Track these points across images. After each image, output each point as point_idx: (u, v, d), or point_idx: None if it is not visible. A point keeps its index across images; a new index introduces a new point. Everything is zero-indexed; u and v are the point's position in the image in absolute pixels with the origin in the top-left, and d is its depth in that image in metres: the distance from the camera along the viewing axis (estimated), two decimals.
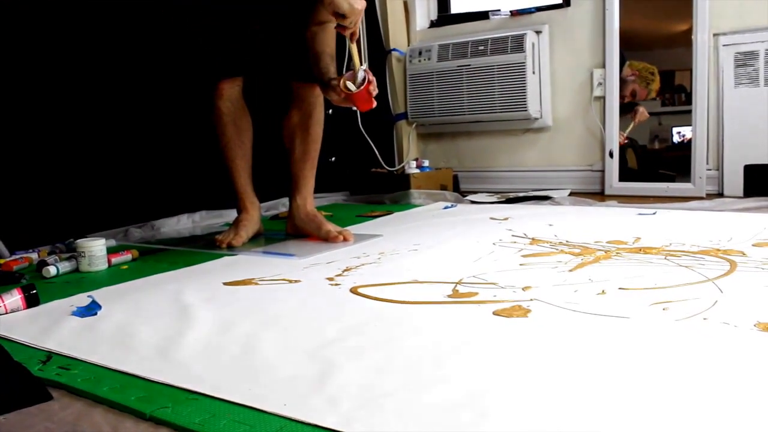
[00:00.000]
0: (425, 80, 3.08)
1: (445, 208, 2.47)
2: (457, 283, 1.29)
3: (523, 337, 0.97)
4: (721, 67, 2.53)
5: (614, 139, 2.78)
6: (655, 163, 2.82)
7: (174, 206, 2.34)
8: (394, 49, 3.13)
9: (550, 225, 1.92)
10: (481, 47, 2.92)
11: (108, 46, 2.14)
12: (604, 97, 2.80)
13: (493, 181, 3.12)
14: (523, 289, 1.22)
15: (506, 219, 2.09)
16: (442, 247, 1.69)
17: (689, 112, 2.61)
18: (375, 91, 1.62)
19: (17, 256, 1.73)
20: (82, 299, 1.29)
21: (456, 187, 3.06)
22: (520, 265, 1.44)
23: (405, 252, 1.64)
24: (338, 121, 2.68)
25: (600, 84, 2.80)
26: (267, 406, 0.76)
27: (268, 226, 2.11)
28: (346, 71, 1.66)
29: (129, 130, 2.21)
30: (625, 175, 2.79)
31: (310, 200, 1.94)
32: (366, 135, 2.99)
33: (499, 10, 3.06)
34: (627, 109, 2.81)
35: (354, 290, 1.28)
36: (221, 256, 1.73)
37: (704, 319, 0.99)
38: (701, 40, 2.54)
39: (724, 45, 2.51)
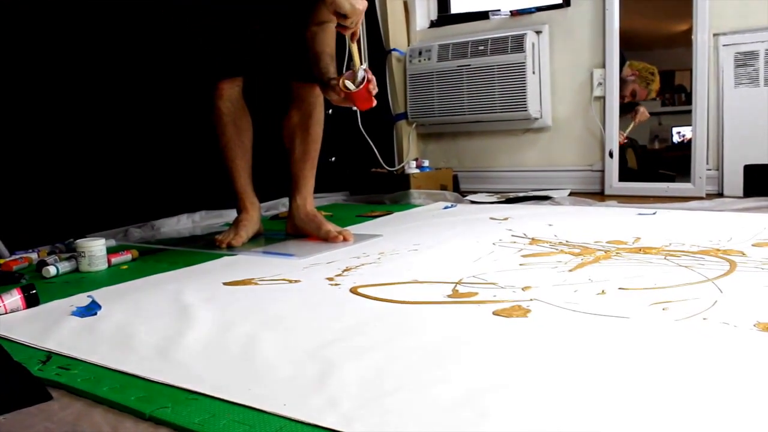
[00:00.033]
0: (425, 80, 3.08)
1: (445, 208, 2.47)
2: (456, 283, 1.29)
3: (522, 337, 0.97)
4: (721, 67, 2.53)
5: (614, 139, 2.78)
6: (655, 163, 2.82)
7: (174, 206, 2.34)
8: (394, 49, 3.13)
9: (550, 225, 1.92)
10: (481, 47, 2.92)
11: (108, 46, 2.14)
12: (604, 97, 2.80)
13: (493, 181, 3.12)
14: (522, 289, 1.22)
15: (506, 219, 2.09)
16: (442, 247, 1.69)
17: (689, 112, 2.61)
18: (375, 90, 1.62)
19: (17, 256, 1.73)
20: (81, 299, 1.29)
21: (456, 187, 3.06)
22: (520, 265, 1.44)
23: (405, 252, 1.64)
24: (338, 121, 2.68)
25: (600, 84, 2.80)
26: (267, 406, 0.76)
27: (267, 226, 2.11)
28: (346, 71, 1.66)
29: (129, 130, 2.21)
30: (625, 175, 2.79)
31: (310, 200, 1.94)
32: (366, 135, 2.99)
33: (499, 10, 3.06)
34: (627, 108, 2.81)
35: (354, 290, 1.28)
36: (221, 256, 1.73)
37: (704, 319, 0.99)
38: (701, 40, 2.54)
39: (724, 45, 2.51)
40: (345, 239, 1.79)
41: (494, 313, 1.08)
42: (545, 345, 0.93)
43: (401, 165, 3.10)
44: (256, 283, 1.39)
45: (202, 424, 0.73)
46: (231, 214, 2.04)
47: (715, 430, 0.65)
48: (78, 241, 1.65)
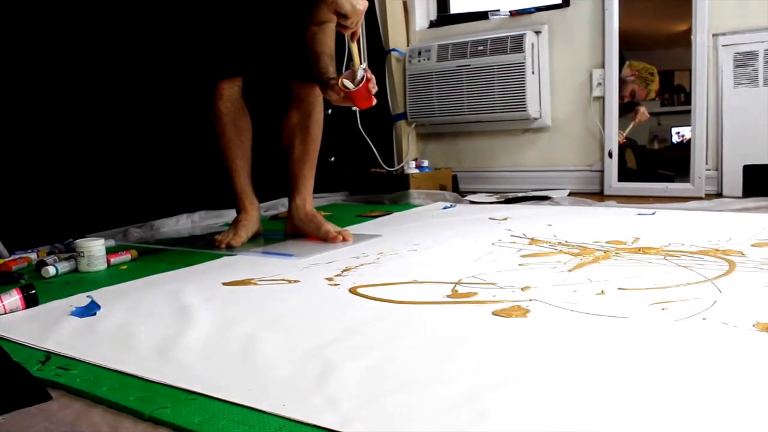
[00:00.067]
0: (425, 80, 3.08)
1: (445, 208, 2.47)
2: (456, 283, 1.29)
3: (522, 337, 0.97)
4: (720, 68, 2.53)
5: (613, 139, 2.78)
6: (654, 163, 2.82)
7: (173, 206, 2.34)
8: (393, 50, 3.13)
9: (550, 225, 1.92)
10: (481, 47, 2.92)
11: (108, 46, 2.13)
12: (603, 98, 2.80)
13: (492, 181, 3.12)
14: (522, 289, 1.22)
15: (505, 219, 2.09)
16: (442, 247, 1.69)
17: (688, 112, 2.61)
18: (374, 89, 1.62)
19: (16, 256, 1.73)
20: (81, 299, 1.29)
21: (455, 187, 3.06)
22: (520, 265, 1.44)
23: (404, 252, 1.64)
24: (338, 121, 2.68)
25: (599, 84, 2.80)
26: (266, 406, 0.76)
27: (267, 226, 2.11)
28: (346, 70, 1.66)
29: (128, 130, 2.21)
30: (625, 175, 2.79)
31: (309, 200, 1.94)
32: (365, 135, 2.99)
33: (498, 10, 3.06)
34: (627, 108, 2.81)
35: (353, 290, 1.28)
36: (220, 256, 1.73)
37: (703, 319, 0.99)
38: (700, 40, 2.54)
39: (723, 45, 2.51)
40: (344, 239, 1.79)
41: (494, 313, 1.08)
42: (544, 345, 0.93)
43: (401, 165, 3.10)
44: (255, 283, 1.39)
45: (202, 424, 0.73)
46: (230, 214, 2.04)
47: (714, 430, 0.65)
48: (77, 241, 1.65)
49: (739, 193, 2.48)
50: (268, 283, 1.39)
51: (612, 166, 2.79)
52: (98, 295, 1.32)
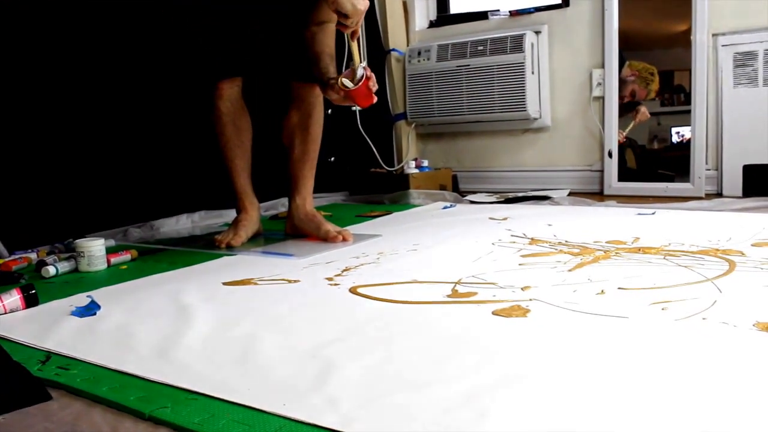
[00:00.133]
0: (424, 80, 3.08)
1: (444, 208, 2.47)
2: (456, 283, 1.29)
3: (522, 337, 0.97)
4: (720, 68, 2.53)
5: (613, 139, 2.78)
6: (654, 163, 2.82)
7: (173, 206, 2.34)
8: (393, 49, 3.13)
9: (549, 225, 1.92)
10: (481, 47, 2.92)
11: (108, 46, 2.13)
12: (603, 98, 2.80)
13: (492, 181, 3.12)
14: (522, 288, 1.22)
15: (505, 219, 2.09)
16: (441, 247, 1.69)
17: (688, 112, 2.61)
18: (375, 87, 1.62)
19: (16, 256, 1.73)
20: (81, 299, 1.29)
21: (455, 187, 3.06)
22: (519, 265, 1.44)
23: (404, 252, 1.64)
24: (338, 121, 2.68)
25: (599, 84, 2.80)
26: (266, 406, 0.76)
27: (267, 226, 2.11)
28: (346, 69, 1.66)
29: (128, 130, 2.21)
30: (624, 175, 2.79)
31: (309, 200, 1.94)
32: (365, 135, 2.99)
33: (498, 11, 3.06)
34: (627, 108, 2.81)
35: (353, 290, 1.28)
36: (220, 256, 1.73)
37: (703, 318, 0.99)
38: (700, 40, 2.54)
39: (723, 45, 2.51)
40: (344, 239, 1.79)
41: (494, 313, 1.08)
42: (544, 345, 0.93)
43: (400, 165, 3.10)
44: (255, 283, 1.39)
45: (202, 423, 0.73)
46: (230, 214, 2.04)
47: (714, 430, 0.65)
48: (77, 241, 1.65)
49: (739, 192, 2.48)
50: (268, 282, 1.39)
51: (612, 166, 2.79)
52: (98, 295, 1.32)
